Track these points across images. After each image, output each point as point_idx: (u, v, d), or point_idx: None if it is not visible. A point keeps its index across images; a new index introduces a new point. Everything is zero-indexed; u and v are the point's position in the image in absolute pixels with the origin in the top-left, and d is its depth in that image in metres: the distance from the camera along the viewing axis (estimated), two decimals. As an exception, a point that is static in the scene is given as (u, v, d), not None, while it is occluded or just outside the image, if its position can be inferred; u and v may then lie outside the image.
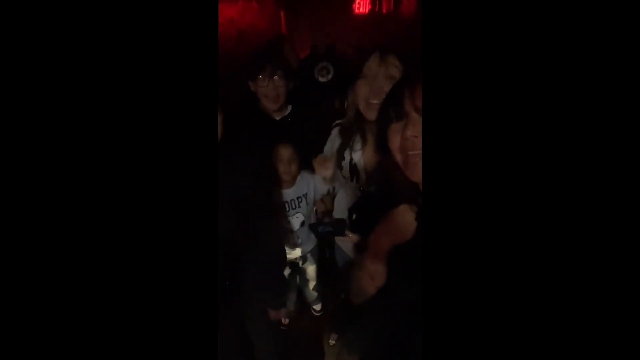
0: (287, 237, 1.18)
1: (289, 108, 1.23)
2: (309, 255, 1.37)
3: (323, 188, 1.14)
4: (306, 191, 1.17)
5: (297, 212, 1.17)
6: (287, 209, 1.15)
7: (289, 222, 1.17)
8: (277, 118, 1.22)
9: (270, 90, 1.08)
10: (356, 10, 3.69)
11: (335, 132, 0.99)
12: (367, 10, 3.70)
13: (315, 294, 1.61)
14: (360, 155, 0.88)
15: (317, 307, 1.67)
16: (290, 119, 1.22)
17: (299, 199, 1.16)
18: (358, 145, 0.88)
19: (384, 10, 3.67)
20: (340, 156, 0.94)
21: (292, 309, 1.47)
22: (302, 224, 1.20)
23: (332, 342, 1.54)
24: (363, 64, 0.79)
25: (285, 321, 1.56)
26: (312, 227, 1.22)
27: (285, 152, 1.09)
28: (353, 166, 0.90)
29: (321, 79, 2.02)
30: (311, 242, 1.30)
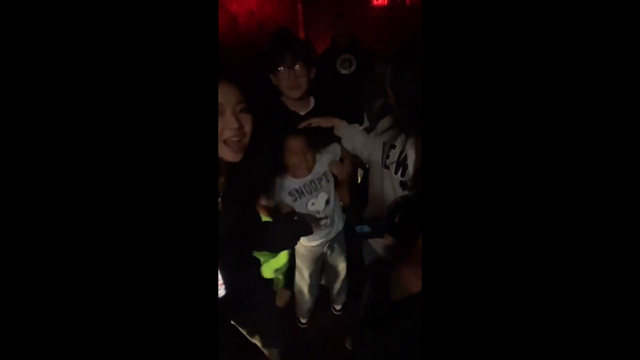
0: (314, 218, 1.15)
1: (312, 102, 1.22)
2: (336, 246, 1.31)
3: (335, 152, 1.16)
4: (324, 170, 1.15)
5: (320, 192, 1.15)
6: (307, 192, 1.14)
7: (313, 203, 1.14)
8: (302, 113, 1.20)
9: (292, 81, 1.06)
10: (375, 2, 3.61)
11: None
12: (386, 2, 3.61)
13: (341, 291, 1.54)
14: (413, 150, 0.83)
15: (338, 305, 1.61)
16: (315, 114, 1.19)
17: (319, 180, 1.14)
18: (413, 140, 0.83)
19: (406, 2, 3.57)
20: (389, 144, 0.88)
21: (306, 290, 1.40)
22: (327, 202, 1.17)
23: (349, 347, 1.48)
24: None
25: (304, 321, 1.51)
26: (351, 227, 1.18)
27: (296, 143, 1.06)
28: (403, 158, 0.84)
29: (343, 71, 1.96)
30: (339, 223, 1.26)
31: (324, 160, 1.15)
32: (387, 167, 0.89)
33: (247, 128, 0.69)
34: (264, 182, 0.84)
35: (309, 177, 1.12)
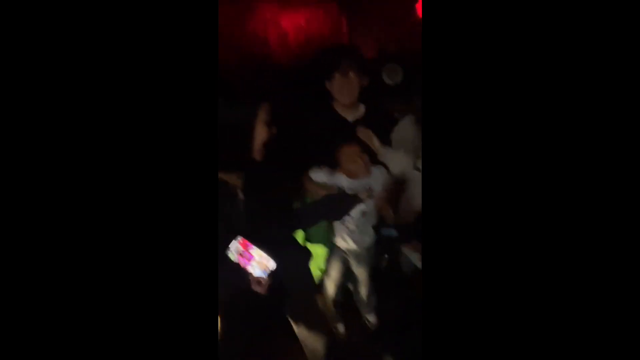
0: (344, 220, 1.18)
1: (362, 108, 1.26)
2: (362, 255, 1.30)
3: (384, 178, 1.18)
4: (371, 183, 1.17)
5: (360, 203, 1.16)
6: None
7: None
8: (350, 120, 1.25)
9: (345, 87, 1.12)
10: (420, 14, 3.59)
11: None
12: (433, 13, 3.58)
13: (370, 303, 1.51)
14: None
15: (372, 318, 1.57)
16: (363, 121, 1.22)
17: (362, 191, 1.15)
18: None
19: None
20: None
21: (333, 295, 1.39)
22: (364, 214, 1.18)
23: None
24: None
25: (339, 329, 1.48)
26: (376, 229, 1.17)
27: (350, 151, 1.11)
28: None
29: (389, 81, 1.95)
30: (368, 238, 1.26)
31: (376, 174, 1.17)
32: (418, 169, 0.91)
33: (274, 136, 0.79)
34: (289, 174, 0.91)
35: (360, 183, 1.14)
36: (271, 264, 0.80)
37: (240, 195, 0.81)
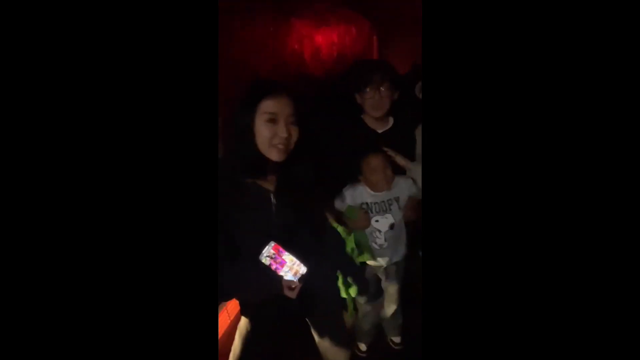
0: (373, 236, 1.17)
1: (391, 121, 1.27)
2: (392, 274, 1.27)
3: (412, 190, 1.15)
4: (398, 195, 1.15)
5: (387, 213, 1.15)
6: (376, 210, 1.15)
7: (377, 221, 1.16)
8: (380, 131, 1.25)
9: (376, 101, 1.13)
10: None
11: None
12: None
13: (395, 321, 1.45)
14: None
15: (397, 339, 1.50)
16: (391, 133, 1.20)
17: (389, 202, 1.15)
18: None
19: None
20: None
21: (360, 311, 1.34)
22: (392, 226, 1.16)
23: None
24: None
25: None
26: (406, 243, 1.10)
27: (376, 161, 1.10)
28: None
29: (421, 96, 1.95)
30: (400, 252, 1.23)
31: (402, 185, 1.15)
32: None
33: (294, 138, 0.79)
34: (312, 180, 0.90)
35: (385, 195, 1.13)
36: (302, 269, 0.82)
37: (273, 200, 0.83)
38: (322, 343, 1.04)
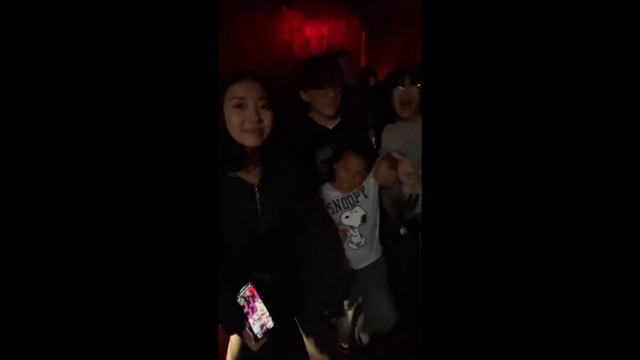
0: (345, 235, 1.11)
1: (339, 118, 1.23)
2: (375, 273, 1.17)
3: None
4: (363, 184, 1.10)
5: (355, 207, 1.10)
6: (340, 208, 1.10)
7: (347, 217, 1.10)
8: (330, 127, 1.21)
9: (328, 100, 1.12)
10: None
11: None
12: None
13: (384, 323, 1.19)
14: None
15: (364, 338, 1.38)
16: (340, 128, 1.21)
17: (356, 194, 1.09)
18: None
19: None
20: None
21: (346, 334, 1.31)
22: (364, 218, 1.10)
23: None
24: None
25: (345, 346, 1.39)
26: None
27: (355, 163, 1.07)
28: None
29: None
30: (376, 249, 1.16)
31: (370, 181, 1.11)
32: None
33: (267, 122, 0.76)
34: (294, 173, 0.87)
35: (347, 192, 1.10)
36: (270, 323, 0.78)
37: (257, 194, 0.82)
38: (309, 345, 1.02)
